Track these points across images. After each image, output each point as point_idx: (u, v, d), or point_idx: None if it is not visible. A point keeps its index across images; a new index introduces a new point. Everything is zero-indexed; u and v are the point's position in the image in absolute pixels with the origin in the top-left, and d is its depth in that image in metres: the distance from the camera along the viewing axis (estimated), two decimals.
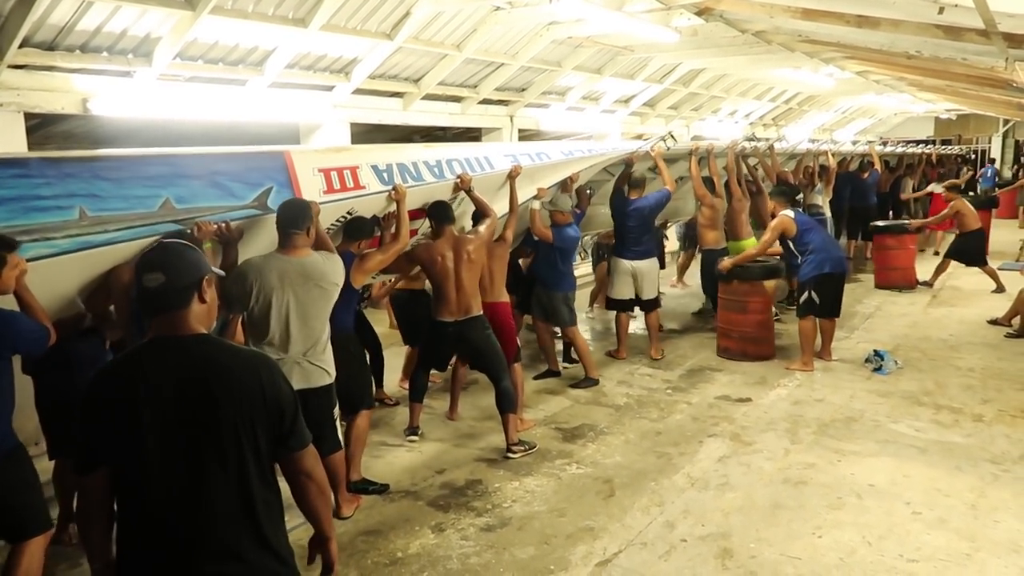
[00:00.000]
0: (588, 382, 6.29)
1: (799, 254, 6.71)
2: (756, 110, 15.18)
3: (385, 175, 4.45)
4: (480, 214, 5.11)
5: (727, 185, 7.99)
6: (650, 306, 7.05)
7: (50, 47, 4.89)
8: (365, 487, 4.46)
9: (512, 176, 5.34)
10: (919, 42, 6.74)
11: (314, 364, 3.73)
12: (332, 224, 4.35)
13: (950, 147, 21.68)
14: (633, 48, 8.95)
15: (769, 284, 7.14)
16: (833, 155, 10.60)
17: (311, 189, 4.02)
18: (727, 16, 7.47)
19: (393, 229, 4.49)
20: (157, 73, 5.41)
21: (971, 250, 9.68)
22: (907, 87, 14.46)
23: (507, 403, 4.98)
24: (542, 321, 6.38)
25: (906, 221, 10.47)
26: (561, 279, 6.18)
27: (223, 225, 3.63)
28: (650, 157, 6.88)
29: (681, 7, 6.81)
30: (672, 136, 7.18)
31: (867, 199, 11.51)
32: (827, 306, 6.72)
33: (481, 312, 5.01)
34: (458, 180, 4.91)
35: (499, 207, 5.28)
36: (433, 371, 5.48)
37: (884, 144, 14.08)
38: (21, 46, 4.66)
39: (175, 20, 5.06)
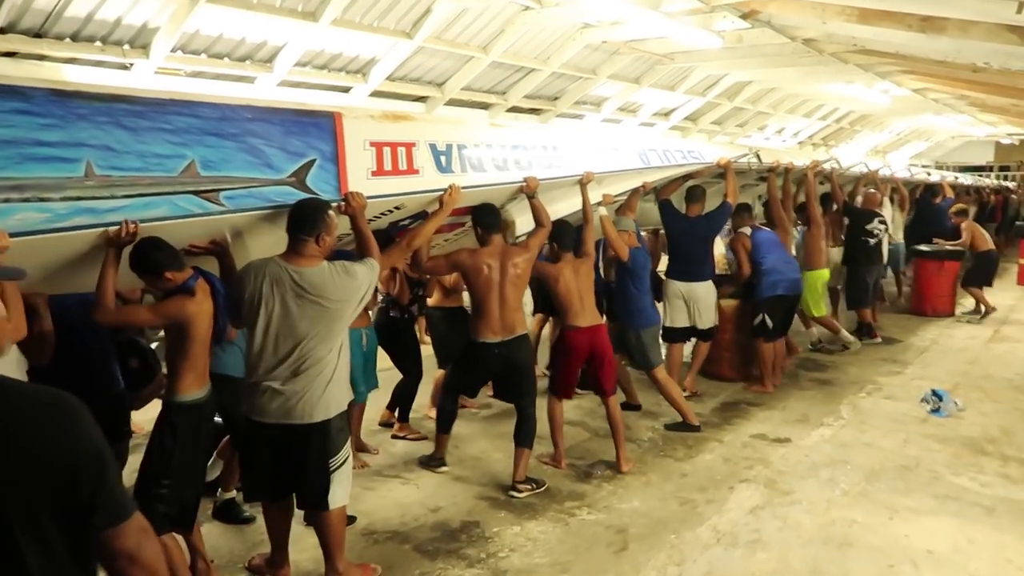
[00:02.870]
0: (685, 427, 5.46)
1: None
2: (805, 128, 14.47)
3: (443, 159, 3.79)
4: (536, 222, 4.49)
5: (800, 209, 7.36)
6: (706, 336, 6.33)
7: (37, 34, 4.57)
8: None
9: (583, 183, 4.75)
10: (989, 50, 6.12)
11: (300, 394, 3.15)
12: (375, 216, 3.70)
13: (1008, 174, 20.62)
14: (673, 57, 8.43)
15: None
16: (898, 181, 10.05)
17: (358, 168, 3.39)
18: (774, 21, 6.93)
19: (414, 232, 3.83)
20: (155, 66, 5.07)
21: (988, 272, 9.68)
22: (968, 107, 13.64)
23: (526, 434, 4.49)
24: (616, 350, 5.60)
25: (946, 245, 9.75)
26: (638, 312, 5.40)
27: (221, 239, 3.23)
28: (716, 169, 6.17)
29: (724, 7, 6.27)
30: (758, 156, 6.58)
31: (942, 225, 10.74)
32: (778, 329, 6.38)
33: (527, 331, 4.53)
34: (523, 184, 4.31)
35: (555, 209, 4.68)
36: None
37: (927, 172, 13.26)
38: (5, 31, 4.35)
39: (173, 8, 4.72)
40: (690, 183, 6.13)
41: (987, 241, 9.73)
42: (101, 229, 2.69)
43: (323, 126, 3.35)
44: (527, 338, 4.58)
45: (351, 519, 3.95)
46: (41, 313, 3.06)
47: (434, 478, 4.71)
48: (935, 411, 5.79)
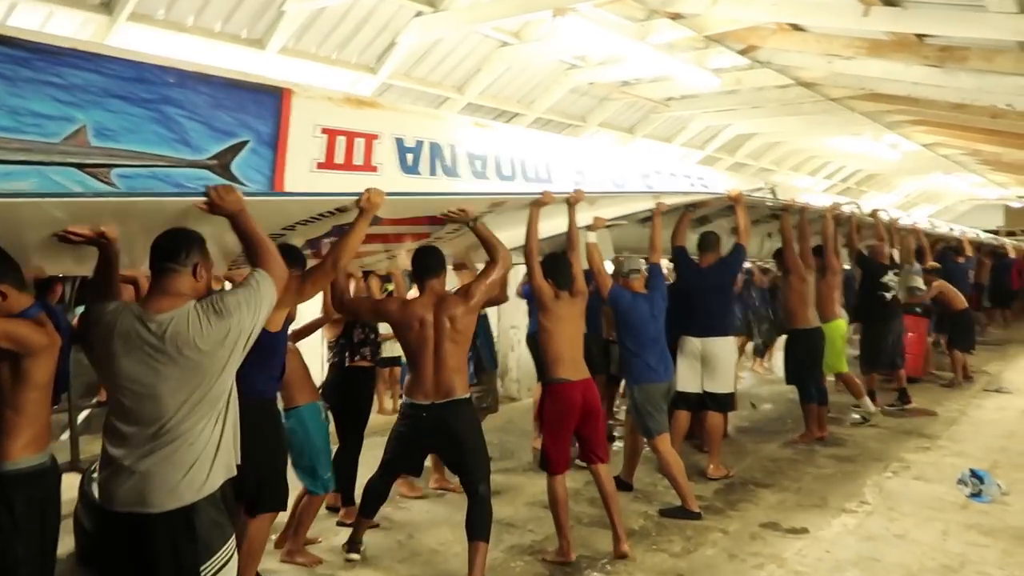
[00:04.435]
0: (684, 514, 4.63)
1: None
2: (810, 187, 13.97)
3: (409, 157, 3.18)
4: (489, 255, 3.72)
5: (816, 254, 6.52)
6: (720, 404, 5.41)
7: None
8: None
9: (571, 203, 4.03)
10: (1013, 86, 5.53)
11: (155, 475, 2.34)
12: (305, 221, 3.07)
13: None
14: (669, 103, 7.94)
15: None
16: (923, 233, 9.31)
17: (302, 156, 2.77)
18: (775, 60, 6.41)
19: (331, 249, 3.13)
20: None
21: (968, 333, 8.90)
22: (979, 165, 13.12)
23: (479, 524, 3.61)
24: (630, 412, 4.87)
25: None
26: (631, 367, 4.66)
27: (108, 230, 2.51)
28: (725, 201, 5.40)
29: (719, 40, 5.73)
30: (773, 191, 5.92)
31: (963, 285, 10.01)
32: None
33: (467, 395, 3.75)
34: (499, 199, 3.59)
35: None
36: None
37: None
38: None
39: (91, 30, 4.16)
40: (702, 228, 5.44)
41: (961, 300, 8.86)
42: None
43: (265, 103, 2.71)
44: (468, 404, 3.78)
45: None
46: None
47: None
48: (976, 495, 4.95)
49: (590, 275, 4.47)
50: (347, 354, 4.53)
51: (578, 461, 4.56)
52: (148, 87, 2.42)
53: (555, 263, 4.06)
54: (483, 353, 5.50)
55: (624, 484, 5.07)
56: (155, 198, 2.43)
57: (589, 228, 4.38)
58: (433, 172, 3.27)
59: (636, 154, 8.00)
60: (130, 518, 2.36)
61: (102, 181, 2.29)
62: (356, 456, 4.54)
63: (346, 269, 3.38)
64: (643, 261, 4.82)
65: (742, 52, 6.04)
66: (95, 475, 4.13)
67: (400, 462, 3.92)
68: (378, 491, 3.92)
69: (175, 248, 2.43)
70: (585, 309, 4.23)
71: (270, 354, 3.22)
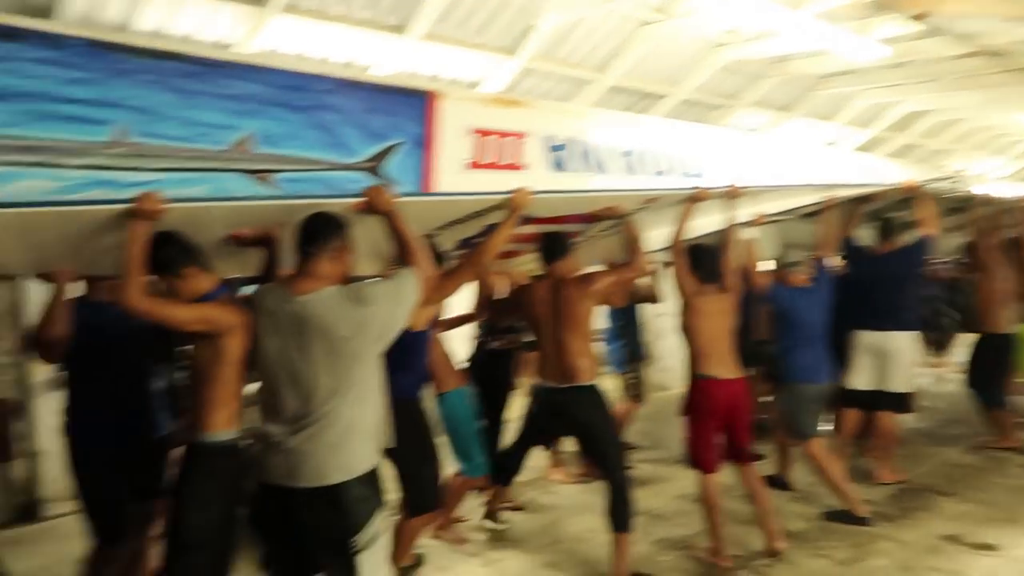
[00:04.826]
0: (850, 518, 4.24)
1: None
2: (995, 170, 12.56)
3: (558, 155, 3.19)
4: (628, 254, 3.60)
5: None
6: (896, 404, 4.84)
7: None
8: None
9: (729, 198, 3.85)
10: None
11: (305, 451, 2.40)
12: (457, 221, 3.11)
13: None
14: (829, 80, 7.36)
15: None
16: None
17: (452, 156, 2.84)
18: (952, 28, 5.74)
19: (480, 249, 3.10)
20: None
21: None
22: None
23: (618, 514, 3.47)
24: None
25: None
26: (786, 363, 4.34)
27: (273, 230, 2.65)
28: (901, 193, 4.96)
29: (885, 7, 5.19)
30: (958, 181, 5.39)
31: None
32: None
33: (592, 382, 3.60)
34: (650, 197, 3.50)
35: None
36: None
37: None
38: None
39: (246, 25, 4.35)
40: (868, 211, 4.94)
41: None
42: (119, 206, 2.21)
43: (415, 105, 2.80)
44: (593, 391, 3.61)
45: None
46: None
47: (520, 562, 3.81)
48: None
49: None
50: (491, 337, 4.51)
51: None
52: (305, 95, 2.55)
53: (701, 255, 3.83)
54: (634, 342, 5.34)
55: (780, 482, 4.72)
56: (315, 200, 2.53)
57: (748, 224, 4.11)
58: (583, 169, 3.26)
59: (800, 143, 7.53)
60: (281, 491, 2.44)
61: (267, 185, 2.43)
62: (497, 437, 4.47)
63: (489, 268, 3.34)
64: (806, 255, 4.43)
65: (914, 18, 5.45)
66: None
67: (528, 441, 3.89)
68: (510, 463, 3.90)
69: (318, 232, 2.49)
70: (736, 306, 3.93)
71: (412, 353, 3.19)
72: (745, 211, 4.06)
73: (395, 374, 2.97)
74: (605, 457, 3.59)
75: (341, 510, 2.41)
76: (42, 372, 4.41)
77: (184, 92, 2.31)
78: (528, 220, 3.19)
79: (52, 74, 2.10)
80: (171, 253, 2.45)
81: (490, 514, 4.05)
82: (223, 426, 2.48)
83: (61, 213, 2.16)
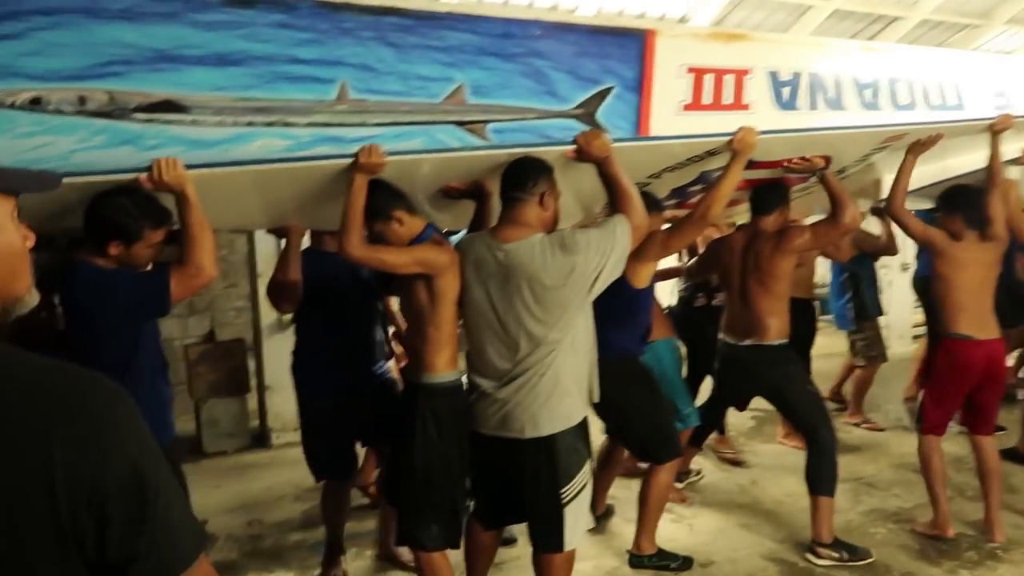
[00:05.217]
0: None
1: None
2: None
3: (785, 92, 2.97)
4: (834, 208, 3.19)
5: None
6: None
7: None
8: (664, 563, 3.20)
9: (995, 131, 3.27)
10: None
11: (516, 402, 2.42)
12: (671, 168, 2.97)
13: None
14: None
15: None
16: None
17: (668, 98, 2.74)
18: None
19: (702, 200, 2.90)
20: None
21: None
22: None
23: (817, 476, 3.24)
24: None
25: None
26: None
27: (483, 182, 2.64)
28: None
29: None
30: None
31: None
32: None
33: (778, 341, 3.35)
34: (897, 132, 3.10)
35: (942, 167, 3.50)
36: None
37: None
38: None
39: None
40: None
41: None
42: (344, 160, 2.30)
43: (628, 46, 2.71)
44: (778, 351, 3.35)
45: (684, 561, 3.22)
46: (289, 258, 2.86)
47: (714, 520, 3.67)
48: None
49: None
50: (697, 292, 4.35)
51: (952, 424, 3.79)
52: (517, 42, 2.52)
53: (963, 198, 3.37)
54: (867, 298, 4.89)
55: (1019, 456, 4.15)
56: (526, 149, 2.48)
57: (1013, 163, 3.58)
58: (814, 106, 3.00)
59: None
60: (493, 441, 2.50)
61: (478, 136, 2.45)
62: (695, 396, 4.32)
63: (716, 220, 3.17)
64: None
65: None
66: None
67: (722, 399, 3.77)
68: (705, 421, 3.77)
69: (522, 177, 2.45)
70: (999, 258, 3.41)
71: (635, 310, 3.12)
72: (1010, 147, 3.46)
73: (621, 332, 3.04)
74: (799, 417, 3.38)
75: (552, 462, 2.42)
76: (271, 314, 4.87)
77: (400, 47, 2.35)
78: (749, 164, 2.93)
79: (283, 37, 2.20)
80: (381, 199, 2.50)
81: (679, 472, 3.89)
82: (444, 368, 2.53)
83: (293, 170, 2.27)
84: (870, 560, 3.19)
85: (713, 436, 4.41)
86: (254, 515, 3.86)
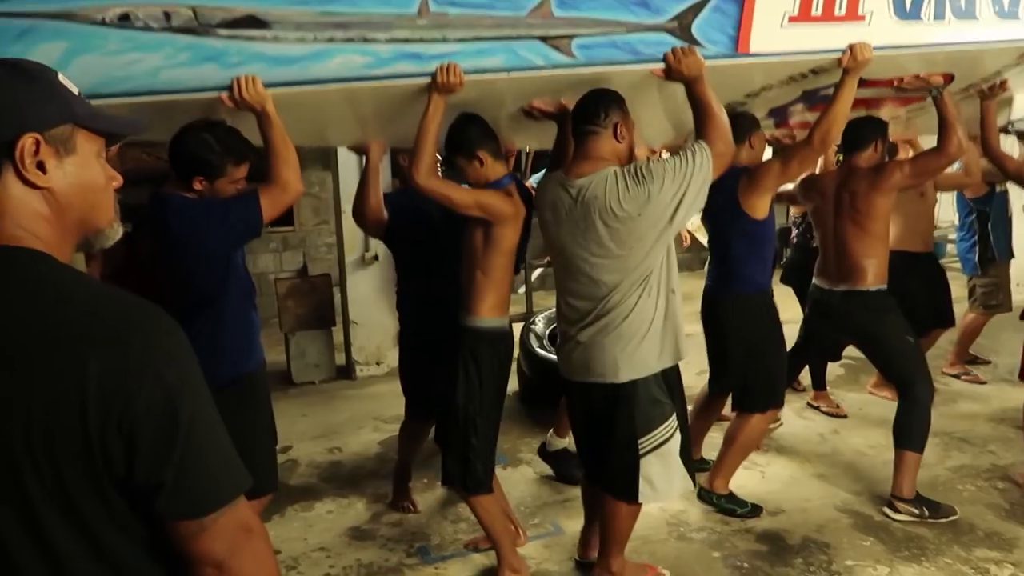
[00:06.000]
0: None
1: None
2: None
3: (906, 2, 2.63)
4: (941, 135, 2.94)
5: None
6: None
7: None
8: (731, 507, 3.18)
9: None
10: None
11: (594, 346, 2.38)
12: (769, 86, 2.79)
13: None
14: None
15: None
16: None
17: (772, 10, 2.48)
18: None
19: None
20: None
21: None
22: None
23: (904, 429, 3.09)
24: None
25: None
26: None
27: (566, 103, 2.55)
28: None
29: None
30: None
31: None
32: None
33: (872, 286, 3.16)
34: None
35: None
36: None
37: None
38: None
39: None
40: None
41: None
42: (422, 80, 2.25)
43: None
44: (876, 296, 3.15)
45: (754, 509, 3.16)
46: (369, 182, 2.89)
47: (788, 469, 3.58)
48: None
49: None
50: (811, 236, 4.17)
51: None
52: None
53: None
54: (993, 239, 4.50)
55: None
56: (609, 67, 2.33)
57: None
58: (940, 16, 2.64)
59: None
60: (576, 385, 2.50)
61: (563, 53, 2.29)
62: None
63: (834, 144, 2.95)
64: None
65: None
66: (534, 327, 4.58)
67: (811, 348, 3.64)
68: (795, 364, 3.68)
69: (593, 109, 2.36)
70: None
71: (760, 242, 3.08)
72: None
73: (750, 266, 3.05)
74: (894, 369, 3.21)
75: (632, 408, 2.37)
76: (355, 251, 5.00)
77: None
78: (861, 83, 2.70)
79: None
80: (470, 133, 2.51)
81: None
82: (488, 313, 2.56)
83: (371, 89, 2.23)
84: (953, 518, 3.04)
85: (810, 390, 4.30)
86: (335, 443, 4.04)
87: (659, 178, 2.24)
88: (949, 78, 2.84)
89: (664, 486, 2.44)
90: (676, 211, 2.27)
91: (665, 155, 2.97)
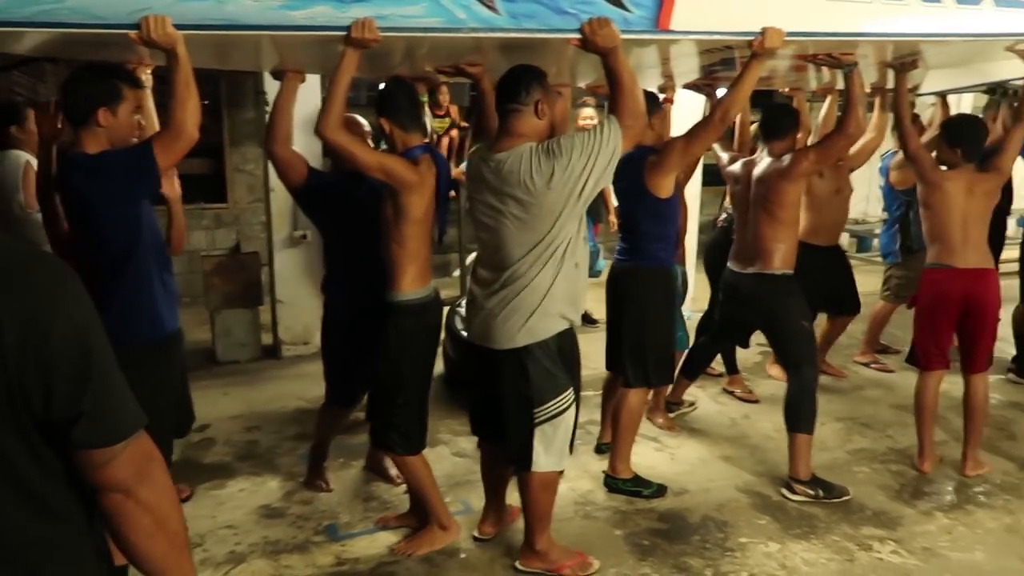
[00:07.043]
0: None
1: None
2: None
3: None
4: (844, 115, 3.02)
5: None
6: None
7: None
8: (637, 489, 3.25)
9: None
10: None
11: (495, 313, 2.45)
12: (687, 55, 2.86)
13: None
14: None
15: None
16: None
17: None
18: None
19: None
20: None
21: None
22: None
23: (792, 412, 3.22)
24: None
25: None
26: None
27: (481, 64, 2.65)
28: None
29: None
30: None
31: None
32: None
33: (778, 270, 3.27)
34: None
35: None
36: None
37: None
38: None
39: None
40: None
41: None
42: (337, 33, 2.19)
43: None
44: (780, 281, 3.27)
45: (658, 489, 3.26)
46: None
47: (697, 451, 3.70)
48: None
49: None
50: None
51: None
52: None
53: (968, 130, 3.30)
54: (915, 229, 4.48)
55: None
56: (524, 34, 2.31)
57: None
58: None
59: None
60: (482, 351, 2.57)
61: (487, 7, 2.24)
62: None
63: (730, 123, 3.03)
64: None
65: None
66: (460, 309, 4.61)
67: (723, 330, 3.74)
68: (700, 355, 3.85)
69: (514, 87, 2.40)
70: (998, 188, 3.32)
71: (662, 220, 3.13)
72: None
73: (652, 242, 3.12)
74: (786, 349, 3.34)
75: (527, 378, 2.46)
76: (284, 229, 4.96)
77: None
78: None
79: None
80: (398, 99, 2.59)
81: (668, 403, 3.97)
82: (408, 287, 2.61)
83: (284, 37, 2.22)
84: (846, 498, 3.19)
85: (725, 376, 4.43)
86: (254, 423, 4.02)
87: (567, 153, 2.29)
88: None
89: (556, 454, 2.53)
90: (585, 185, 2.33)
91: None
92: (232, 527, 2.99)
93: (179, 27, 2.06)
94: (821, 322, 4.67)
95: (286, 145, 2.85)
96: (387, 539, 2.91)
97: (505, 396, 2.52)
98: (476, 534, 2.90)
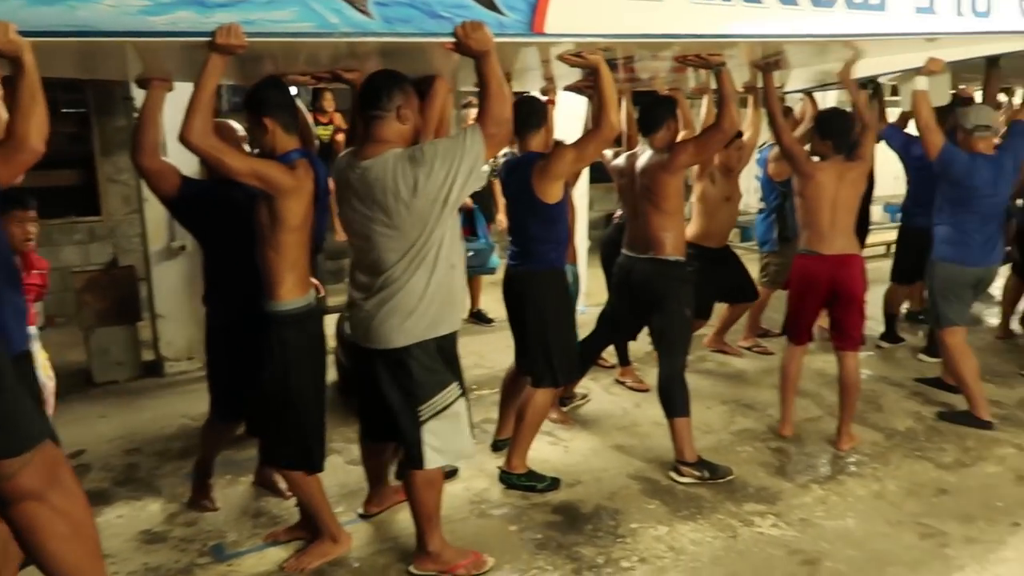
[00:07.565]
0: (969, 420, 3.82)
1: None
2: None
3: None
4: (719, 111, 3.17)
5: None
6: None
7: None
8: (531, 483, 3.27)
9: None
10: None
11: (373, 315, 2.45)
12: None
13: None
14: None
15: None
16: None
17: None
18: None
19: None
20: None
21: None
22: None
23: (667, 399, 3.36)
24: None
25: None
26: (946, 238, 3.81)
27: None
28: None
29: None
30: None
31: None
32: None
33: (671, 256, 3.37)
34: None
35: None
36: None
37: None
38: None
39: None
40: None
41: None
42: (200, 39, 2.09)
43: None
44: (670, 266, 3.39)
45: (452, 473, 3.26)
46: None
47: (589, 442, 3.77)
48: None
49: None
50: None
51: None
52: None
53: (837, 123, 3.54)
54: (789, 219, 4.75)
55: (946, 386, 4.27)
56: (397, 39, 2.24)
57: (921, 72, 3.58)
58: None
59: None
60: (362, 351, 2.56)
61: (359, 11, 2.18)
62: None
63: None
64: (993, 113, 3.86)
65: None
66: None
67: (614, 318, 3.79)
68: (589, 350, 3.84)
69: (375, 94, 2.39)
70: (864, 176, 3.58)
71: (550, 223, 3.15)
72: (918, 56, 3.51)
73: (542, 244, 3.14)
74: (664, 333, 3.43)
75: (409, 376, 2.46)
76: (160, 241, 4.73)
77: None
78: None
79: None
80: (264, 96, 2.49)
81: (561, 399, 4.00)
82: (287, 295, 2.53)
83: (145, 44, 2.10)
84: (730, 478, 3.31)
85: (617, 367, 4.52)
86: (134, 444, 3.82)
87: (429, 161, 2.30)
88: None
89: (449, 448, 2.54)
90: (450, 192, 2.34)
91: None
92: (110, 556, 2.81)
93: (27, 34, 1.90)
94: (720, 310, 4.90)
95: (154, 156, 2.71)
96: (277, 555, 2.82)
97: (389, 395, 2.51)
98: (360, 511, 2.97)
